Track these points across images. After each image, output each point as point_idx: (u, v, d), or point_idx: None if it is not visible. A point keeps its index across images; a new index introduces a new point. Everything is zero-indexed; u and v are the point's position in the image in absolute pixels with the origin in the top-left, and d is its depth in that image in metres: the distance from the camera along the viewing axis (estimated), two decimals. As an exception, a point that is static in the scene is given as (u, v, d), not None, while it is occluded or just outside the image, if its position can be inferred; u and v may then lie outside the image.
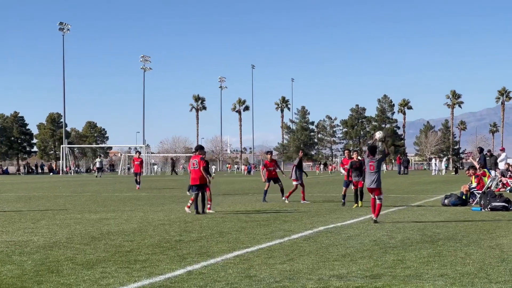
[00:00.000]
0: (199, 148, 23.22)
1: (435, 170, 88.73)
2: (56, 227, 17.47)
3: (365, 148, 25.85)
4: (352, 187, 25.03)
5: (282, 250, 12.91)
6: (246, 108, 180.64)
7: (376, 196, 18.38)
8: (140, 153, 46.28)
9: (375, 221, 18.07)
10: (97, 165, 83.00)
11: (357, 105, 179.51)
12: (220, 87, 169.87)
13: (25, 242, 14.31)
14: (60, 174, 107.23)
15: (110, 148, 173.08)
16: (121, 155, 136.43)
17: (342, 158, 37.10)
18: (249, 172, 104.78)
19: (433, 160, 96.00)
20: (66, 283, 9.70)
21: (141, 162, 43.90)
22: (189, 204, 22.11)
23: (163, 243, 14.13)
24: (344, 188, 25.67)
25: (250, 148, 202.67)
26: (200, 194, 22.15)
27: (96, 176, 78.91)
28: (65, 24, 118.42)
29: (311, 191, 36.17)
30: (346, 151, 28.57)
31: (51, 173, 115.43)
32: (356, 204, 24.28)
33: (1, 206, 25.91)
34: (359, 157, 24.91)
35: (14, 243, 14.24)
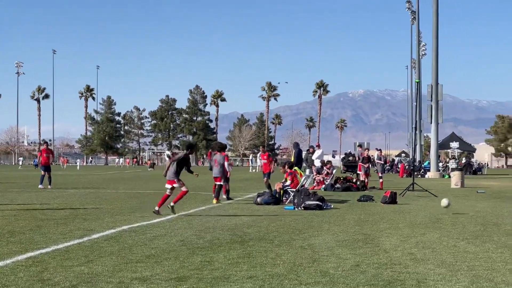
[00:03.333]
0: None
1: (253, 166, 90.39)
2: None
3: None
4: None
5: (80, 251, 12.69)
6: (46, 96, 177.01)
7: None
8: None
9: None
10: None
11: (167, 96, 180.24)
12: (17, 73, 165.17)
13: None
14: None
15: None
16: None
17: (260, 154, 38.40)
18: (36, 165, 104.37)
19: (251, 156, 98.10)
20: None
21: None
22: None
23: None
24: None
25: (50, 140, 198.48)
26: None
27: None
28: None
29: (117, 187, 35.89)
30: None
31: None
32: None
33: None
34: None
35: None
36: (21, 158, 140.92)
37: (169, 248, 13.21)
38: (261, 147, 35.55)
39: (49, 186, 35.54)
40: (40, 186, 35.55)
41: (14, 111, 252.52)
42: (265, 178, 31.49)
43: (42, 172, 36.21)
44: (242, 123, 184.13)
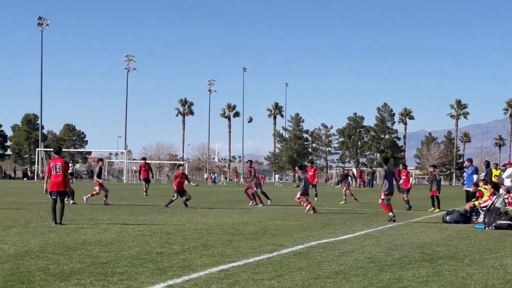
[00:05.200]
0: (60, 151, 22.72)
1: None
2: (29, 235, 17.42)
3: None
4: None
5: (270, 266, 12.90)
6: (236, 114, 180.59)
7: None
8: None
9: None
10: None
11: (355, 114, 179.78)
12: (209, 90, 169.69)
13: (-5, 251, 14.27)
14: (35, 179, 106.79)
15: (89, 153, 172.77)
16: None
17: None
18: (214, 181, 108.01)
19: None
20: (37, 294, 9.67)
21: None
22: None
23: (143, 255, 14.11)
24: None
25: (240, 157, 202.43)
26: (59, 202, 21.21)
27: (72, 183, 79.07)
28: (44, 19, 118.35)
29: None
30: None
31: (25, 179, 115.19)
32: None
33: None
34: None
35: (-18, 251, 14.20)
36: (215, 174, 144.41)
37: (357, 265, 13.19)
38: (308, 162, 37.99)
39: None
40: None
41: (206, 128, 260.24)
42: (404, 194, 31.52)
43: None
44: (430, 141, 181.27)
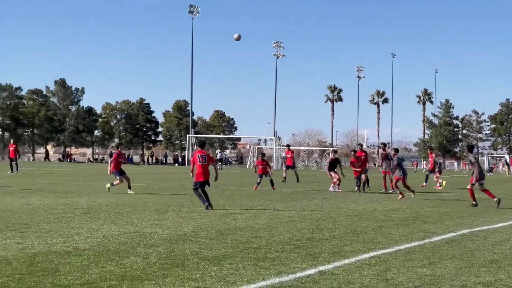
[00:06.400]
0: (203, 145, 23.05)
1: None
2: (182, 220, 17.83)
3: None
4: None
5: (422, 253, 12.73)
6: (385, 101, 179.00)
7: None
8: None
9: None
10: (218, 156, 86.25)
11: (507, 100, 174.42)
12: (358, 77, 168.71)
13: (150, 234, 14.68)
14: (186, 165, 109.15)
15: (239, 139, 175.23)
16: (250, 147, 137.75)
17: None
18: None
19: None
20: (192, 277, 9.87)
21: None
22: None
23: (294, 240, 14.19)
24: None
25: (388, 143, 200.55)
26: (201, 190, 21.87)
27: (221, 168, 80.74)
28: (195, 6, 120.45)
29: (455, 192, 35.47)
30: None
31: (176, 164, 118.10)
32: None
33: (127, 196, 26.57)
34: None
35: (138, 234, 14.63)
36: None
37: (513, 254, 12.83)
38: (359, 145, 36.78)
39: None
40: None
41: (354, 115, 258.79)
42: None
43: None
44: None
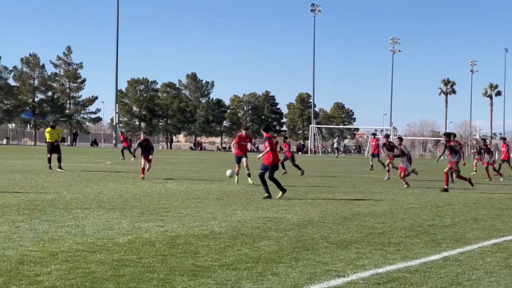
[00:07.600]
0: (267, 129, 21.81)
1: None
2: (309, 206, 17.97)
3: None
4: None
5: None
6: (498, 93, 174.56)
7: None
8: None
9: None
10: (335, 145, 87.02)
11: None
12: (471, 70, 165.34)
13: (280, 219, 14.88)
14: (308, 154, 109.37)
15: (357, 129, 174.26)
16: (367, 137, 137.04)
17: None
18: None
19: None
20: (322, 261, 10.00)
21: None
22: None
23: (416, 227, 14.14)
24: None
25: (500, 134, 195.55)
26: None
27: (337, 157, 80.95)
28: (317, 5, 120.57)
29: None
30: None
31: (299, 153, 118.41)
32: None
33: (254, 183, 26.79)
34: None
35: (269, 219, 14.84)
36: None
37: None
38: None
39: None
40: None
41: (467, 107, 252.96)
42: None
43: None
44: None
